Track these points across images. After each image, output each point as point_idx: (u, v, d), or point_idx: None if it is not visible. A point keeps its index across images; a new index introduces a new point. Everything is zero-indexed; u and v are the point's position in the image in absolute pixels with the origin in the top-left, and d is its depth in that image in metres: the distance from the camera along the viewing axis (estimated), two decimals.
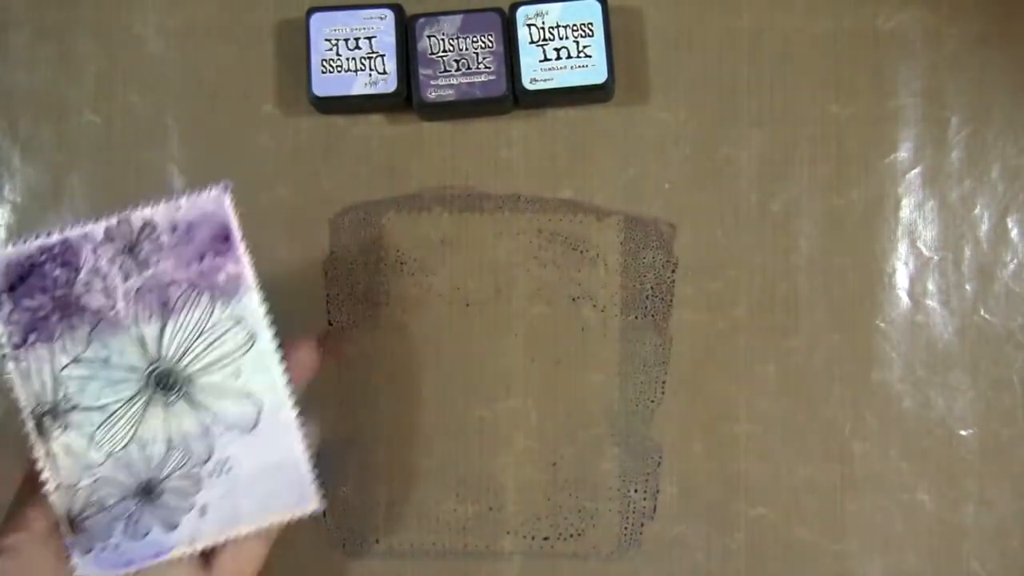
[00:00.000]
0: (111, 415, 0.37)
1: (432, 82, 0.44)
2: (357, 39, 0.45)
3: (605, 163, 0.46)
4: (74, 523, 0.37)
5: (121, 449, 0.37)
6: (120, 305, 0.37)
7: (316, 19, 0.45)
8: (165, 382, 0.37)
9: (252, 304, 0.37)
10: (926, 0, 0.46)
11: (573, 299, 0.45)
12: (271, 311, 0.37)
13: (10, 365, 0.37)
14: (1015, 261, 0.46)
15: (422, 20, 0.45)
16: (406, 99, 0.45)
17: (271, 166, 0.46)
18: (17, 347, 0.36)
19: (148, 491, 0.38)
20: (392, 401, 0.45)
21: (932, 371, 0.45)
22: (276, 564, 0.44)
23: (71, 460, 0.37)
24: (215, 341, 0.37)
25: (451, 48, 0.44)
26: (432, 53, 0.44)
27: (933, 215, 0.46)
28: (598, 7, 0.44)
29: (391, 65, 0.44)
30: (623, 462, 0.45)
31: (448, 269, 0.46)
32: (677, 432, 0.45)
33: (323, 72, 0.44)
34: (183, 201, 0.37)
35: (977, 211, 0.46)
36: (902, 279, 0.46)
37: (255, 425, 0.38)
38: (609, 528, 0.44)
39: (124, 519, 0.38)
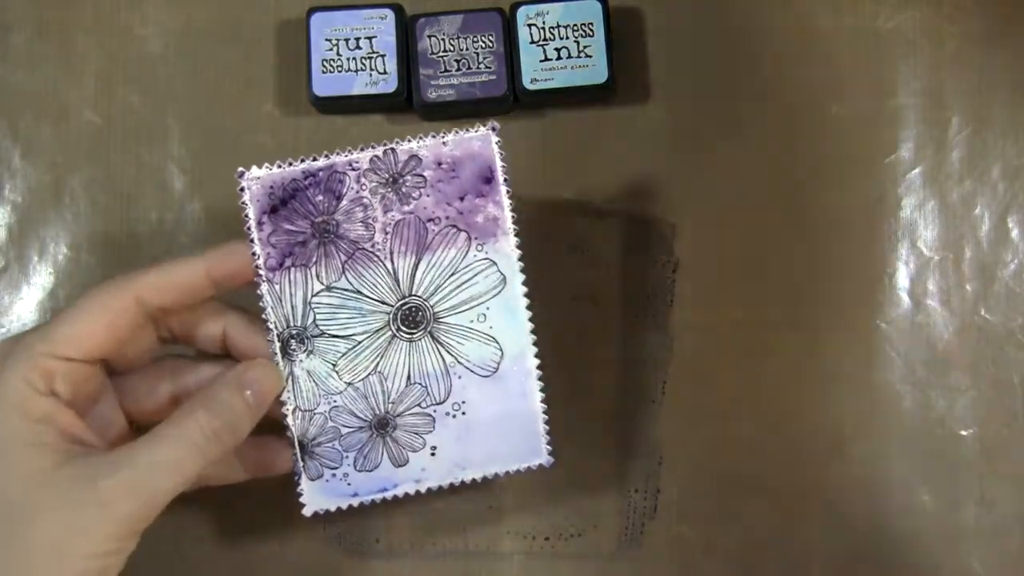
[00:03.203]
0: (356, 345, 0.37)
1: (432, 82, 0.44)
2: (357, 39, 0.45)
3: (605, 163, 0.46)
4: (306, 448, 0.38)
5: (361, 380, 0.37)
6: (378, 237, 0.37)
7: (316, 19, 0.45)
8: (412, 318, 0.37)
9: (507, 247, 0.37)
10: (926, 0, 0.46)
11: (573, 299, 0.45)
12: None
13: (264, 287, 0.36)
14: (1015, 261, 0.46)
15: (422, 20, 0.45)
16: (406, 99, 0.45)
17: None
18: (273, 270, 0.36)
19: (383, 425, 0.38)
20: None
21: (932, 371, 0.45)
22: (274, 563, 0.44)
23: (312, 385, 0.37)
24: (467, 282, 0.37)
25: (451, 48, 0.44)
26: (432, 53, 0.44)
27: (933, 215, 0.46)
28: (598, 7, 0.44)
29: (391, 65, 0.44)
30: (623, 462, 0.45)
31: None
32: (677, 432, 0.45)
33: (323, 72, 0.44)
34: (450, 137, 0.37)
35: (977, 211, 0.46)
36: (902, 279, 0.46)
37: (495, 371, 0.38)
38: (609, 528, 0.44)
39: (356, 449, 0.38)
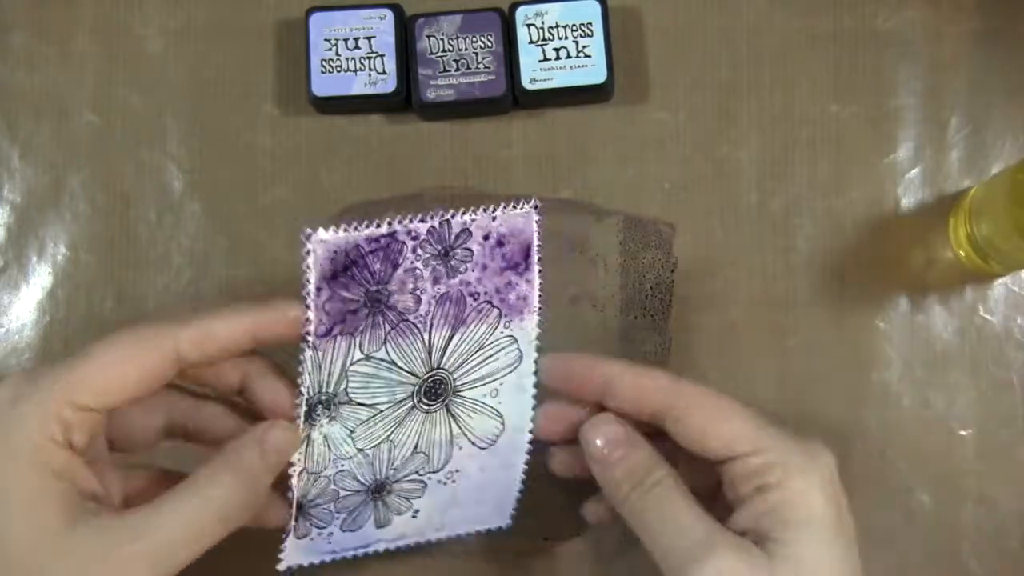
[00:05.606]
0: (377, 414, 0.36)
1: (432, 82, 0.44)
2: (357, 39, 0.45)
3: (605, 163, 0.46)
4: (303, 508, 0.37)
5: (372, 447, 0.37)
6: (423, 309, 0.35)
7: (316, 19, 0.45)
8: (435, 391, 0.37)
9: (529, 326, 0.37)
10: (926, 0, 0.46)
11: (573, 299, 0.45)
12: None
13: (308, 353, 0.34)
14: None
15: (422, 20, 0.45)
16: (406, 99, 0.45)
17: (271, 166, 0.46)
18: (321, 337, 0.34)
19: (379, 489, 0.38)
20: None
21: (932, 371, 0.45)
22: (274, 562, 0.44)
23: (325, 449, 0.36)
24: (489, 357, 0.37)
25: (451, 48, 0.44)
26: (432, 53, 0.44)
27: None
28: (598, 7, 0.44)
29: (391, 65, 0.44)
30: None
31: None
32: None
33: (323, 72, 0.44)
34: (498, 212, 0.35)
35: None
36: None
37: (494, 443, 0.38)
38: (609, 528, 0.44)
39: (347, 511, 0.38)
